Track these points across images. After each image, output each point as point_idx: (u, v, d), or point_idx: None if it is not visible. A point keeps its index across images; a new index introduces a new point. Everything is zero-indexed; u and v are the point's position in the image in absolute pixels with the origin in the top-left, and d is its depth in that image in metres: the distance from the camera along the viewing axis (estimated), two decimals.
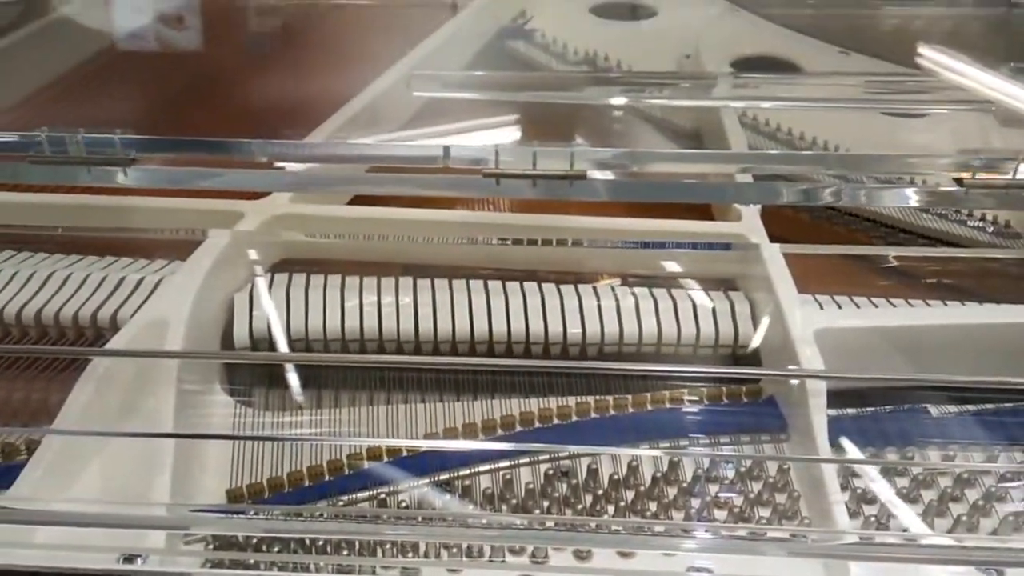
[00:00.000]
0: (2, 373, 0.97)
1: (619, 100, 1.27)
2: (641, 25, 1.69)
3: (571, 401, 0.95)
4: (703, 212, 1.20)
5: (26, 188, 1.12)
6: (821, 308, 1.00)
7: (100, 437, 0.87)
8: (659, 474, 0.86)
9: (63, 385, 0.94)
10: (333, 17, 1.44)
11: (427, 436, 0.93)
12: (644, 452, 0.89)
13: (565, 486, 0.86)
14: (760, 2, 1.68)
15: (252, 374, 0.99)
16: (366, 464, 0.89)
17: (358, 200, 1.20)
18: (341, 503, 0.86)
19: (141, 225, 1.09)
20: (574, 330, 1.01)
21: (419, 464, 0.89)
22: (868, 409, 0.94)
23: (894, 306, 1.01)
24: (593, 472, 0.87)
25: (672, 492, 0.86)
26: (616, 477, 0.86)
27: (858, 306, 1.02)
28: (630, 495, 0.85)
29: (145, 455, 0.84)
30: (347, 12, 1.42)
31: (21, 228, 1.11)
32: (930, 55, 1.28)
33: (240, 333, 0.99)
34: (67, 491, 0.83)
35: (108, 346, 0.91)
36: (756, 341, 0.99)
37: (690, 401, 0.96)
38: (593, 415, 0.95)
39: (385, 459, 0.89)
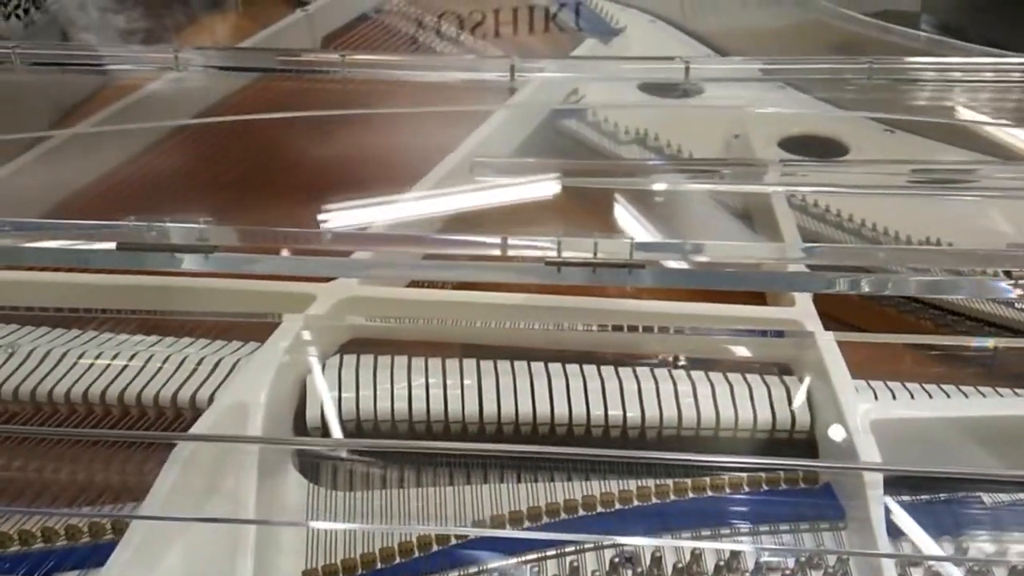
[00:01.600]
0: (89, 451, 1.01)
1: (673, 186, 1.31)
2: (689, 103, 1.73)
3: (632, 485, 0.98)
4: (756, 295, 1.23)
5: (101, 270, 1.17)
6: (876, 396, 1.02)
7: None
8: (721, 562, 0.89)
9: (145, 463, 0.99)
10: (395, 96, 1.49)
11: (493, 519, 0.96)
12: (707, 544, 0.91)
13: (630, 573, 0.89)
14: (806, 82, 1.72)
15: (325, 455, 1.03)
16: (435, 547, 0.92)
17: (416, 282, 1.24)
18: None
19: (217, 307, 1.14)
20: (633, 414, 1.04)
21: (488, 547, 0.92)
22: (922, 497, 0.96)
23: (947, 395, 1.03)
24: (657, 560, 0.89)
25: None
26: (680, 565, 0.88)
27: (912, 394, 1.04)
28: None
29: (228, 537, 0.88)
30: (408, 91, 1.48)
31: (100, 311, 1.16)
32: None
33: (312, 416, 1.03)
34: (154, 571, 0.87)
35: (193, 430, 0.96)
36: (813, 428, 1.02)
37: (749, 486, 0.98)
38: (654, 500, 0.97)
39: (453, 542, 0.93)
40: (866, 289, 1.02)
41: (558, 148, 1.61)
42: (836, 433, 0.97)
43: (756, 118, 1.61)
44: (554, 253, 1.01)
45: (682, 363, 1.10)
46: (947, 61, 1.54)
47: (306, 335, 1.09)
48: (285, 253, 1.07)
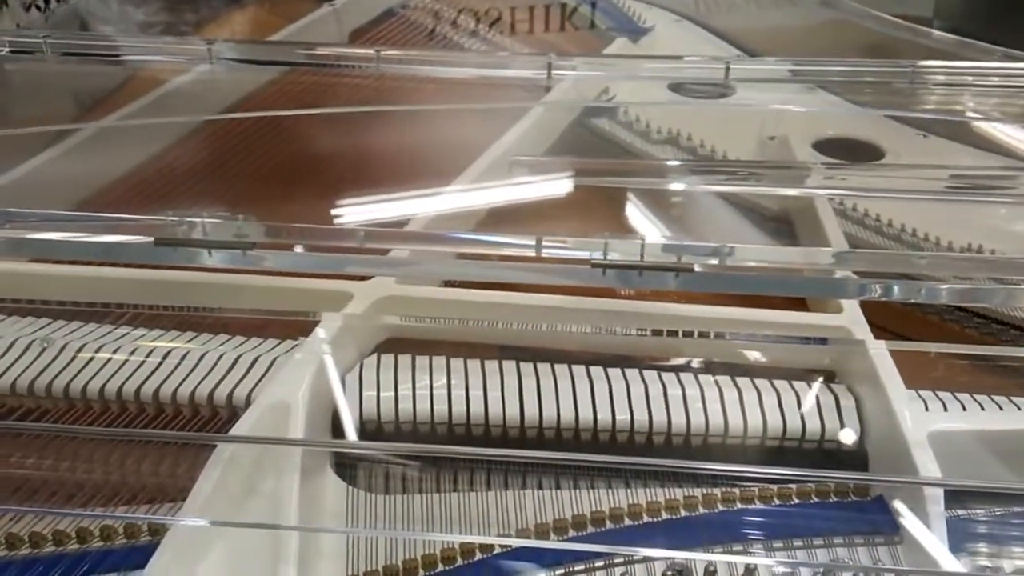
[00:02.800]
0: (122, 451, 0.99)
1: (713, 187, 1.29)
2: (720, 104, 1.71)
3: (679, 494, 0.96)
4: (798, 301, 1.21)
5: (138, 264, 1.15)
6: (927, 407, 1.00)
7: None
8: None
9: (179, 463, 0.97)
10: (429, 92, 1.47)
11: (537, 528, 0.94)
12: (761, 560, 0.89)
13: None
14: (838, 85, 1.69)
15: (362, 458, 1.01)
16: (478, 556, 0.90)
17: (452, 281, 1.22)
18: None
19: (253, 304, 1.12)
20: (678, 420, 1.02)
21: (533, 558, 0.89)
22: (977, 512, 0.94)
23: (1000, 407, 1.01)
24: (711, 574, 0.87)
25: None
26: None
27: (963, 405, 1.02)
28: None
29: (270, 541, 0.86)
30: (443, 87, 1.45)
31: (134, 307, 1.13)
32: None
33: (351, 417, 1.01)
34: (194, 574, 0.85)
35: (234, 430, 0.93)
36: (863, 439, 1.00)
37: (798, 497, 0.96)
38: (701, 510, 0.95)
39: (497, 551, 0.90)
40: (914, 296, 1.00)
41: (591, 147, 1.58)
42: (891, 445, 0.94)
43: (790, 120, 1.59)
44: (600, 255, 0.99)
45: (726, 369, 1.08)
46: (986, 66, 1.51)
47: (345, 334, 1.07)
48: (321, 251, 1.04)
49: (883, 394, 0.98)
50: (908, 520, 0.90)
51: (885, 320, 1.16)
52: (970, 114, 1.51)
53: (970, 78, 1.49)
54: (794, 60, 1.45)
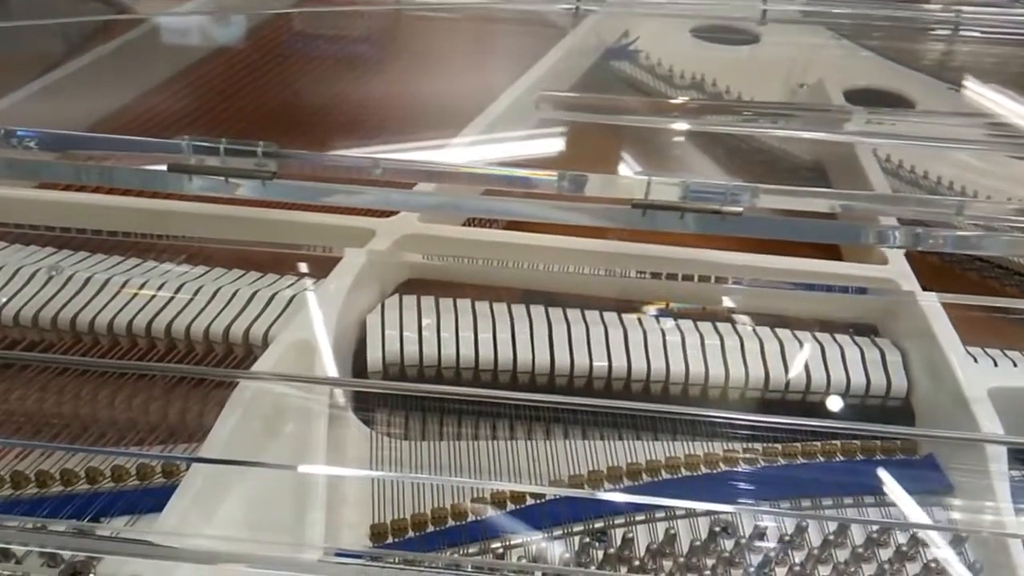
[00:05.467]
0: (131, 387, 0.94)
1: (753, 129, 1.23)
2: (744, 51, 1.66)
3: (719, 449, 0.92)
4: (829, 251, 1.16)
5: (150, 194, 1.09)
6: (975, 361, 0.96)
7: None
8: (830, 536, 0.82)
9: (192, 401, 0.92)
10: (449, 32, 1.40)
11: (571, 479, 0.89)
12: (811, 515, 0.85)
13: (730, 543, 0.82)
14: (862, 33, 1.64)
15: (386, 402, 0.96)
16: (510, 506, 0.85)
17: (475, 220, 1.17)
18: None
19: (271, 238, 1.06)
20: (716, 371, 0.97)
21: (568, 510, 0.85)
22: None
23: None
24: (760, 532, 0.82)
25: (843, 555, 0.81)
26: (786, 538, 0.82)
27: (1013, 362, 0.97)
28: (799, 556, 0.81)
29: (293, 485, 0.81)
30: (464, 27, 1.39)
31: (145, 236, 1.07)
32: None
33: (374, 357, 0.96)
34: (213, 519, 0.80)
35: (255, 368, 0.88)
36: (911, 394, 0.95)
37: (844, 454, 0.92)
38: (742, 466, 0.91)
39: (529, 502, 0.86)
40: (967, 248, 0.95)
41: (612, 90, 1.52)
42: (944, 401, 0.90)
43: (816, 69, 1.54)
44: (641, 194, 0.93)
45: (765, 320, 1.03)
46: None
47: (367, 272, 1.01)
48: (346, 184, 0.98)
49: (935, 348, 0.94)
50: (966, 478, 0.86)
51: (920, 275, 1.11)
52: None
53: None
54: (838, 3, 1.39)
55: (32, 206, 1.10)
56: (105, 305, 0.97)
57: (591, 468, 0.90)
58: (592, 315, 1.02)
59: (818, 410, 0.96)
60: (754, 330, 1.01)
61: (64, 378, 0.94)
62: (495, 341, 0.98)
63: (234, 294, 0.99)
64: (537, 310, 1.02)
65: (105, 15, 1.46)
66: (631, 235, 1.11)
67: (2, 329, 0.97)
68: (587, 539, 0.82)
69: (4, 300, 0.97)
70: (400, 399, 0.95)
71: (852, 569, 0.80)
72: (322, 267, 1.02)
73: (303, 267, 1.04)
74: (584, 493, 0.87)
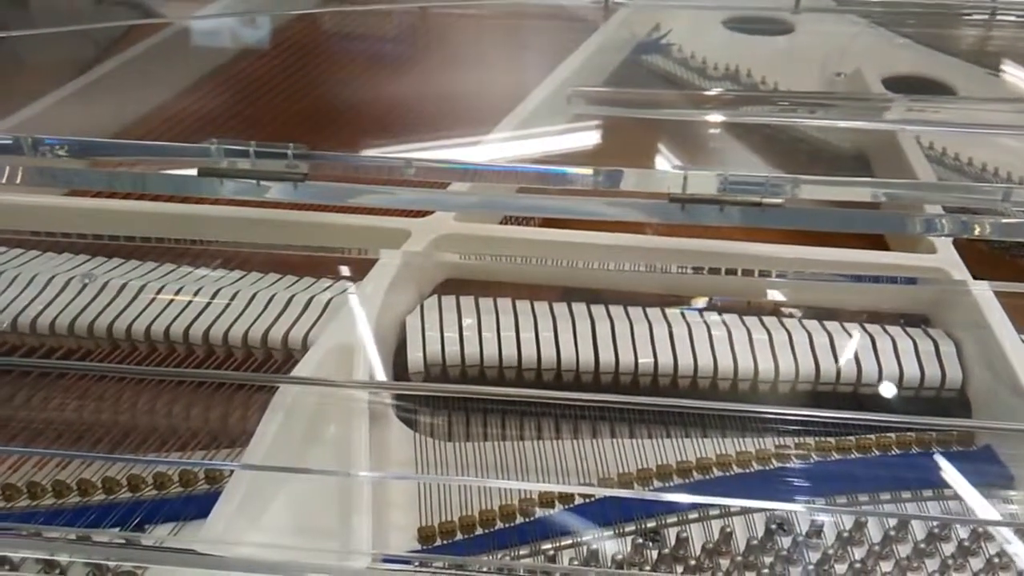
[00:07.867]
0: (170, 393, 0.92)
1: (792, 119, 1.20)
2: (778, 41, 1.63)
3: (770, 444, 0.89)
4: (874, 241, 1.13)
5: (182, 199, 1.08)
6: None
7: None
8: (891, 532, 0.79)
9: (233, 407, 0.91)
10: (478, 29, 1.38)
11: (620, 478, 0.87)
12: (870, 512, 0.82)
13: (787, 540, 0.79)
14: (897, 21, 1.61)
15: (428, 403, 0.94)
16: (558, 507, 0.83)
17: (511, 218, 1.15)
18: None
19: (305, 241, 1.04)
20: (765, 366, 0.95)
21: (619, 509, 0.82)
22: None
23: None
24: (817, 528, 0.80)
25: (905, 551, 0.79)
26: (844, 534, 0.79)
27: None
28: (858, 552, 0.79)
29: (340, 490, 0.79)
30: (493, 24, 1.37)
31: (179, 241, 1.06)
32: None
33: (415, 358, 0.94)
34: (258, 524, 0.78)
35: (295, 372, 0.86)
36: (967, 386, 0.93)
37: (899, 447, 0.89)
38: (795, 462, 0.88)
39: (577, 502, 0.84)
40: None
41: (645, 84, 1.50)
42: (1004, 391, 0.87)
43: (853, 57, 1.51)
44: (679, 188, 0.91)
45: (813, 313, 1.00)
46: None
47: (404, 273, 0.99)
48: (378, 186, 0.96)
49: (990, 338, 0.91)
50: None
51: (969, 263, 1.09)
52: None
53: None
54: None
55: (63, 214, 1.09)
56: (142, 312, 0.96)
57: (640, 466, 0.88)
58: (635, 312, 1.00)
59: (871, 403, 0.94)
60: (802, 323, 0.99)
61: (103, 385, 0.93)
62: (538, 340, 0.96)
63: (271, 298, 0.98)
64: (579, 308, 1.00)
65: (130, 19, 1.45)
66: (669, 230, 1.09)
67: (39, 338, 0.96)
68: (640, 539, 0.79)
69: (40, 308, 0.96)
70: (443, 400, 0.93)
71: (915, 564, 0.78)
72: (358, 269, 1.00)
73: (339, 270, 1.02)
74: (637, 493, 0.84)
